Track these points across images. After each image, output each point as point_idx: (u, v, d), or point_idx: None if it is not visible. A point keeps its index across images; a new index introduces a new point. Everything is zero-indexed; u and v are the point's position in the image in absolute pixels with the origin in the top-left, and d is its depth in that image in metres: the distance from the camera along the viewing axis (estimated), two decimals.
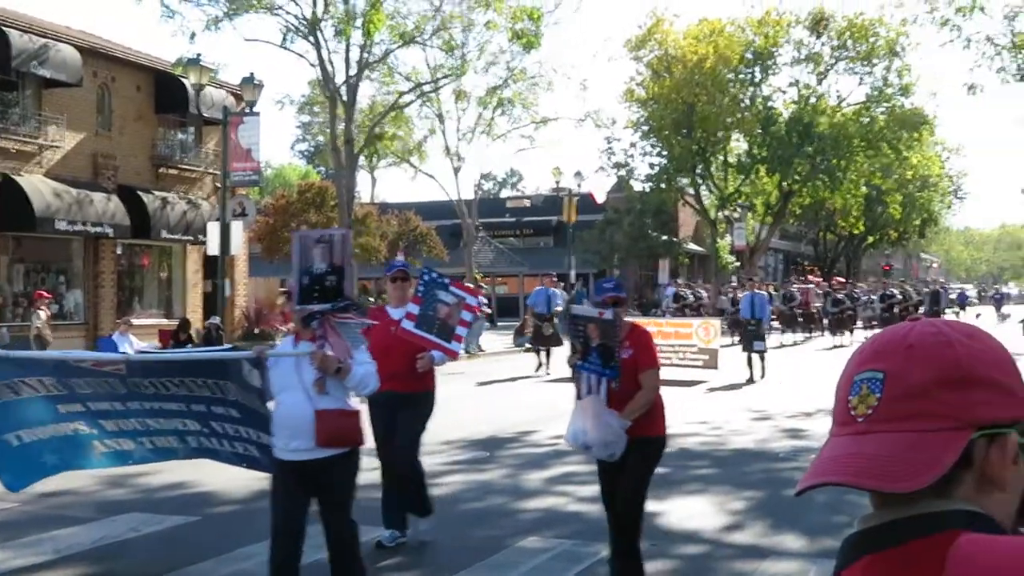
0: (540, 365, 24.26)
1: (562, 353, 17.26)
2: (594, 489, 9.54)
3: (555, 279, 33.37)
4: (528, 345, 26.58)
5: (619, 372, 6.04)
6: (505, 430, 14.71)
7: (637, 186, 55.10)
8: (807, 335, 38.54)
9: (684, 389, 19.60)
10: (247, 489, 10.42)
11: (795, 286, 42.03)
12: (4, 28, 26.57)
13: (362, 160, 46.14)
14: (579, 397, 6.26)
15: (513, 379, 22.99)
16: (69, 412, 6.26)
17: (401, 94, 42.17)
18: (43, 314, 22.32)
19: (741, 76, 52.00)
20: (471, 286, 8.28)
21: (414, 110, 45.98)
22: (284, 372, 5.78)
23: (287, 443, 5.76)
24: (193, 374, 5.93)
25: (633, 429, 6.16)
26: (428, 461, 12.29)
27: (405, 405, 7.90)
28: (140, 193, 30.45)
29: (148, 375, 6.02)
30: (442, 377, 8.52)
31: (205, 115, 31.49)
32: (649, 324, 24.22)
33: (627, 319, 6.53)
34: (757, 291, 24.56)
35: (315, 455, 5.76)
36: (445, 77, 41.20)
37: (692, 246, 62.28)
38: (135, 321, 25.39)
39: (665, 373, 7.11)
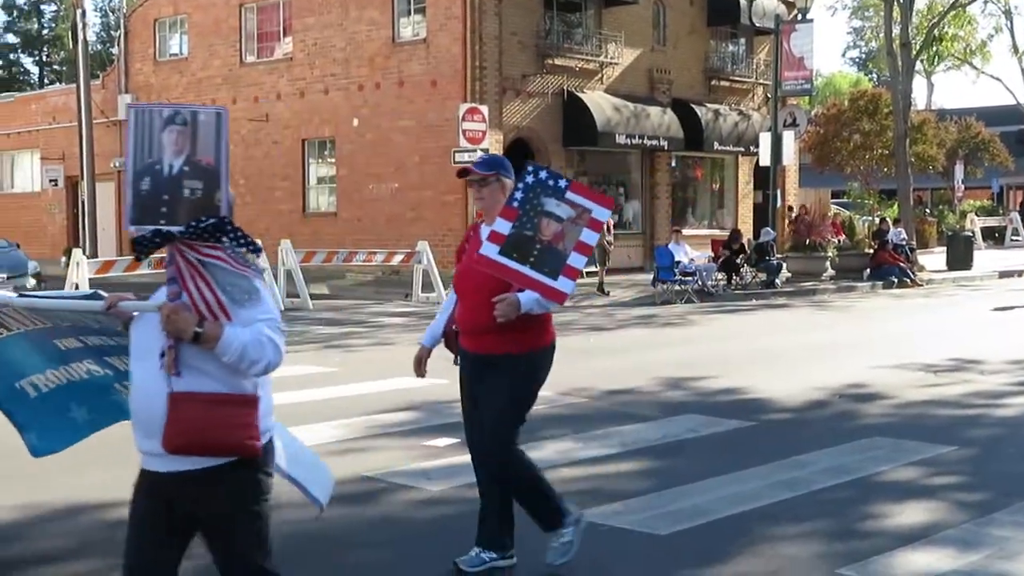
0: None
1: None
2: None
3: None
4: None
5: None
6: None
7: None
8: None
9: None
10: (803, 398, 10.47)
11: None
12: None
13: (918, 65, 43.97)
14: None
15: None
16: (71, 348, 4.91)
17: None
18: None
19: None
20: (600, 192, 5.36)
21: (977, 8, 43.13)
22: (146, 332, 3.68)
23: (140, 442, 3.67)
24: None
25: None
26: (993, 381, 11.59)
27: (489, 373, 5.32)
28: (693, 106, 31.12)
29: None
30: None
31: (757, 25, 31.56)
32: None
33: None
34: None
35: (174, 466, 3.59)
36: None
37: None
38: (687, 232, 26.21)
39: None
